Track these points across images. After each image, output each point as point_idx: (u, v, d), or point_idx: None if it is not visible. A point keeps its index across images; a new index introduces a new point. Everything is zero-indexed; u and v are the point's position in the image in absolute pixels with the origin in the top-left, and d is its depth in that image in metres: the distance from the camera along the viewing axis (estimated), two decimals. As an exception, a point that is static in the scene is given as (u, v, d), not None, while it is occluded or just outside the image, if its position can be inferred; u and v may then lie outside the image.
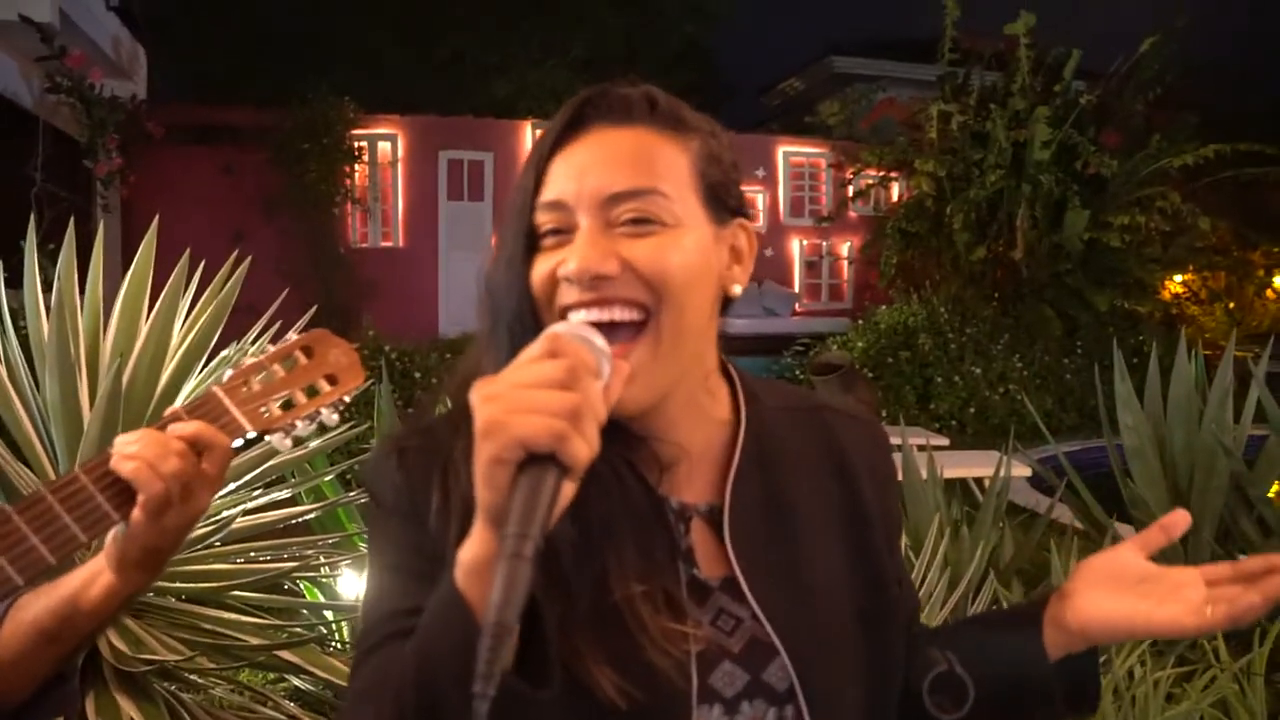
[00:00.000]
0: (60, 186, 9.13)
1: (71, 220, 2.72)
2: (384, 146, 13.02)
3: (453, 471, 0.90)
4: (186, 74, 16.55)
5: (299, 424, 1.07)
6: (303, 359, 1.08)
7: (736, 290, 1.01)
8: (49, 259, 4.31)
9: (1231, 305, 17.05)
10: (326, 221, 12.25)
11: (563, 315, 0.92)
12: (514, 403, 0.74)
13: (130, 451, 0.99)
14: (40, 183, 8.63)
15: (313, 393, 1.07)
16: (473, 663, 0.69)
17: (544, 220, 0.94)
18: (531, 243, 0.95)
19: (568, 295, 0.92)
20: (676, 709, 0.90)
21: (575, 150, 0.95)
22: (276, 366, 1.06)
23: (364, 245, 12.92)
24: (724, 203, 0.99)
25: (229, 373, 1.06)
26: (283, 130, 11.85)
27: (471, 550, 0.78)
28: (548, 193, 0.94)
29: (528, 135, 13.60)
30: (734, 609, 0.95)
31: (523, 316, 0.95)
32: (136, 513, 0.98)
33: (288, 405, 1.06)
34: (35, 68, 9.04)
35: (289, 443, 1.07)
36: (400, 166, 13.11)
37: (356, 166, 12.47)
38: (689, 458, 0.99)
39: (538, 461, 0.73)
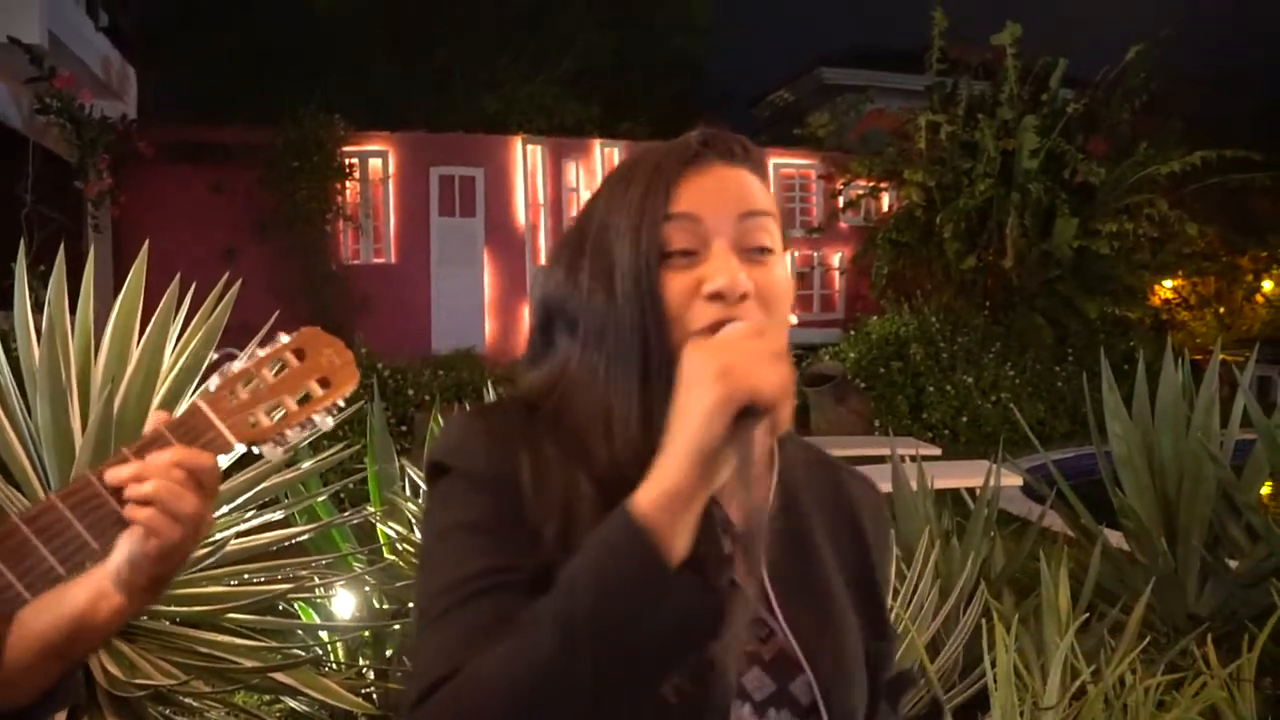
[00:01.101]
0: (50, 207, 9.13)
1: (62, 242, 2.73)
2: (375, 163, 13.03)
3: (543, 450, 0.95)
4: (178, 93, 16.59)
5: (290, 433, 1.01)
6: (294, 361, 1.02)
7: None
8: (40, 280, 4.33)
9: (1221, 310, 17.11)
10: (318, 238, 12.24)
11: (698, 331, 0.95)
12: (750, 354, 0.84)
13: (144, 493, 0.95)
14: (30, 204, 8.62)
15: (305, 398, 1.02)
16: (661, 586, 0.80)
17: (676, 234, 0.98)
18: (656, 258, 0.98)
19: (708, 311, 0.96)
20: (718, 708, 0.92)
21: (701, 178, 1.00)
22: (265, 371, 1.00)
23: (356, 262, 12.91)
24: (784, 236, 1.06)
25: (216, 381, 1.00)
26: (273, 148, 11.86)
27: (662, 483, 0.83)
28: (682, 204, 0.99)
29: (518, 150, 13.62)
30: (766, 618, 0.99)
31: (658, 330, 0.97)
32: (147, 549, 0.97)
33: (278, 413, 1.00)
34: (24, 89, 9.04)
35: (279, 452, 1.02)
36: (391, 183, 13.12)
37: (347, 183, 12.48)
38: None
39: (754, 414, 0.83)
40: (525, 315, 13.66)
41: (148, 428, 0.99)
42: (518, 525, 0.92)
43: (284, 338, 1.03)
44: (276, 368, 1.01)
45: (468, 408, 1.16)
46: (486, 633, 0.84)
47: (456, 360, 11.05)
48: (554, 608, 0.82)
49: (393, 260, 13.20)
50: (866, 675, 1.05)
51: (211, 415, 0.98)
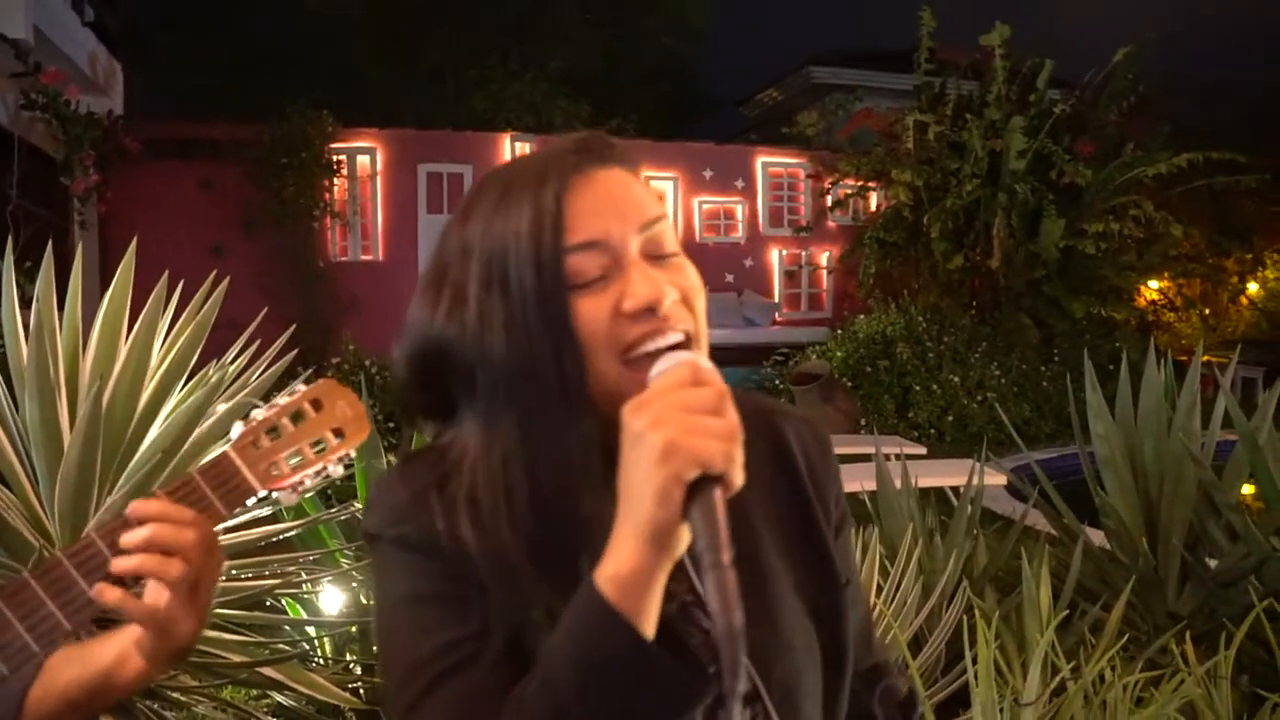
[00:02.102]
0: (36, 204, 9.10)
1: (50, 241, 2.74)
2: (362, 160, 13.02)
3: (457, 505, 0.94)
4: (166, 90, 16.55)
5: (307, 480, 1.08)
6: (311, 412, 1.08)
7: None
8: (26, 277, 4.32)
9: (1206, 312, 17.19)
10: (306, 235, 12.23)
11: (622, 351, 0.92)
12: (688, 426, 0.79)
13: (131, 566, 0.98)
14: (16, 200, 8.59)
15: (320, 447, 1.07)
16: (642, 671, 0.79)
17: (583, 264, 0.93)
18: (561, 291, 0.93)
19: (635, 329, 0.93)
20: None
21: (586, 194, 0.95)
22: (286, 421, 1.07)
23: (344, 259, 12.90)
24: None
25: (239, 427, 1.05)
26: (261, 145, 11.84)
27: (622, 565, 0.82)
28: (582, 234, 0.94)
29: (506, 147, 13.62)
30: (699, 619, 0.99)
31: (570, 357, 0.93)
32: (169, 600, 0.99)
33: (297, 461, 1.06)
34: (10, 84, 9.00)
35: (295, 498, 1.08)
36: (379, 180, 13.11)
37: (335, 180, 12.47)
38: None
39: (708, 481, 0.79)
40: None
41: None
42: (458, 585, 0.92)
43: (301, 387, 1.09)
44: (296, 418, 1.07)
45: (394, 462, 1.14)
46: (479, 714, 0.86)
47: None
48: (541, 701, 0.83)
49: (381, 257, 13.19)
50: (819, 633, 1.05)
51: (238, 461, 1.04)
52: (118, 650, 1.04)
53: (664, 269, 0.95)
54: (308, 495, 3.11)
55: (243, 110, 12.50)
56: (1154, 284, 15.86)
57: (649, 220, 0.96)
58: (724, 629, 0.73)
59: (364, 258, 13.10)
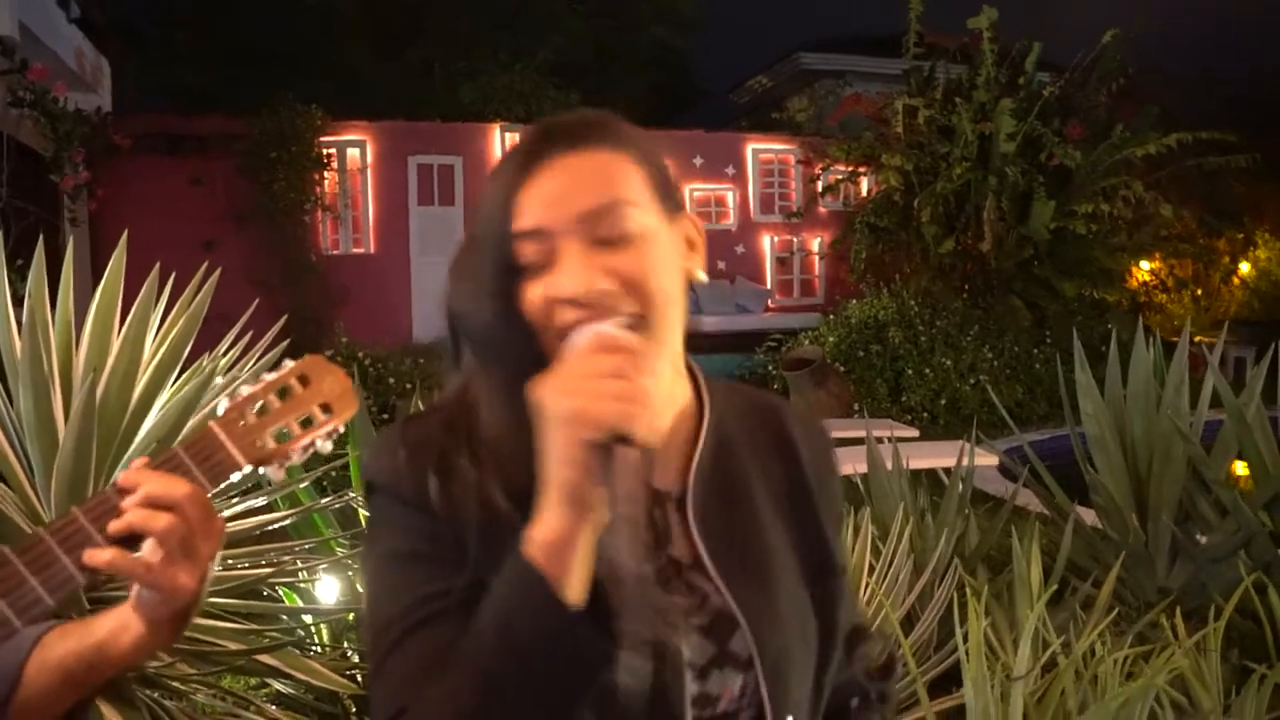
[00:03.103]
0: (26, 201, 9.08)
1: (42, 236, 2.75)
2: (353, 153, 13.01)
3: (456, 461, 0.98)
4: (154, 85, 16.49)
5: (294, 455, 1.07)
6: (298, 388, 1.07)
7: (701, 276, 1.08)
8: (18, 274, 4.33)
9: (1199, 292, 17.23)
10: (297, 229, 12.23)
11: (559, 335, 0.96)
12: (590, 392, 0.84)
13: (174, 497, 0.98)
14: (6, 198, 8.58)
15: (307, 423, 1.07)
16: (562, 631, 0.83)
17: (527, 250, 0.98)
18: (511, 275, 0.99)
19: (567, 315, 0.96)
20: (674, 677, 0.99)
21: (541, 180, 0.99)
22: (273, 397, 1.06)
23: (335, 252, 12.90)
24: (673, 200, 1.06)
25: (224, 404, 1.05)
26: (251, 139, 11.83)
27: (547, 529, 0.87)
28: (523, 222, 0.98)
29: (496, 139, 13.61)
30: (700, 584, 1.04)
31: (518, 341, 0.99)
32: (160, 556, 0.99)
33: (283, 437, 1.05)
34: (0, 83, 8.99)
35: (282, 473, 1.07)
36: (370, 172, 13.10)
37: (326, 173, 12.46)
38: (662, 446, 1.06)
39: (617, 442, 0.84)
40: (506, 303, 13.66)
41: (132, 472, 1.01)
42: (437, 544, 0.97)
43: (289, 364, 1.08)
44: (283, 393, 1.06)
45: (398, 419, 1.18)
46: (425, 670, 0.91)
47: (437, 348, 11.04)
48: (471, 656, 0.88)
49: (372, 250, 13.20)
50: (815, 617, 1.10)
51: (222, 436, 1.03)
52: (116, 620, 1.04)
53: (612, 253, 0.97)
54: (303, 486, 3.12)
55: (231, 105, 12.47)
56: (1146, 265, 15.90)
57: (592, 209, 0.98)
58: (632, 574, 0.79)
59: (355, 250, 13.11)
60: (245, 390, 1.05)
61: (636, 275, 0.98)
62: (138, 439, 2.67)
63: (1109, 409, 4.11)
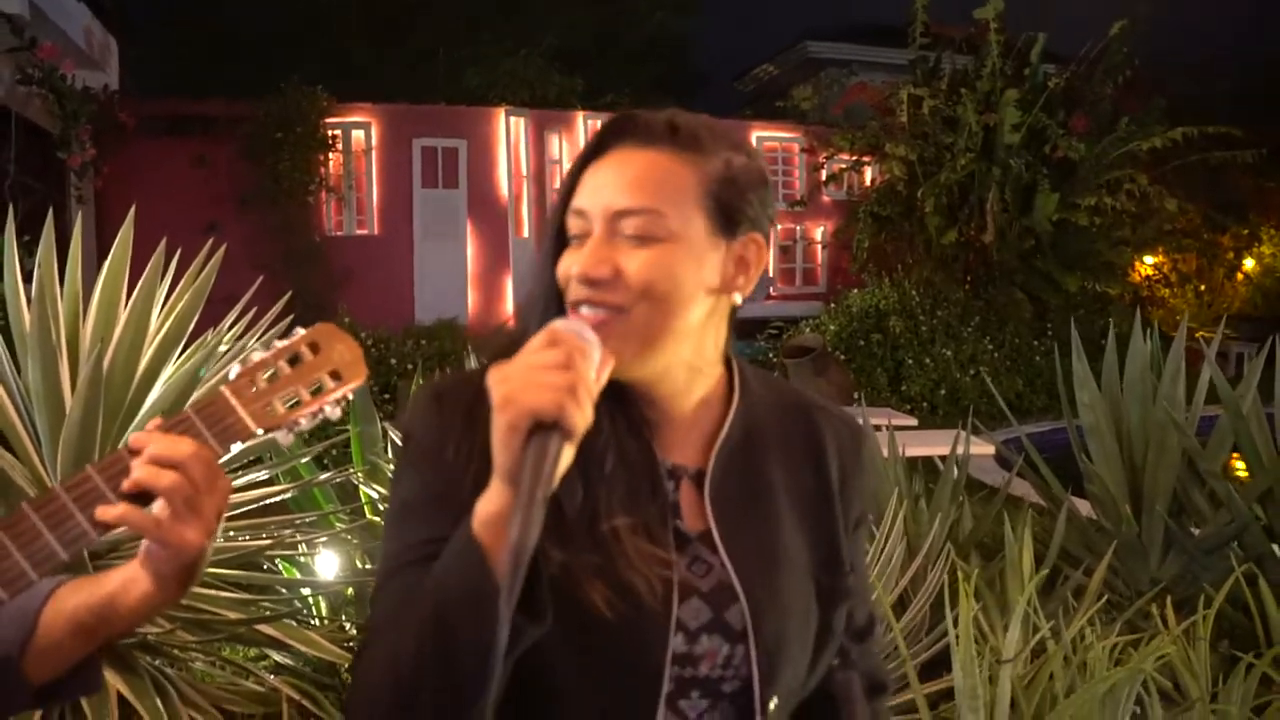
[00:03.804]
0: (33, 178, 9.12)
1: (50, 211, 2.78)
2: (357, 135, 13.02)
3: (480, 419, 1.02)
4: (159, 66, 16.48)
5: (303, 420, 1.08)
6: (308, 355, 1.09)
7: (737, 299, 1.14)
8: (25, 250, 4.37)
9: (1202, 288, 17.23)
10: (301, 211, 12.25)
11: (573, 306, 1.08)
12: (524, 381, 0.91)
13: (182, 455, 1.01)
14: (14, 175, 8.62)
15: (317, 389, 1.09)
16: (485, 600, 0.89)
17: (571, 224, 1.10)
18: (563, 240, 1.11)
19: (576, 290, 1.07)
20: (655, 627, 1.05)
21: (600, 168, 1.10)
22: (283, 363, 1.08)
23: (339, 234, 12.92)
24: (733, 218, 1.11)
25: (236, 369, 1.07)
26: (255, 120, 11.84)
27: (488, 504, 0.94)
28: (576, 201, 1.10)
29: (501, 122, 13.62)
30: (707, 557, 1.11)
31: (549, 300, 1.12)
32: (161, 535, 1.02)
33: (293, 403, 1.07)
34: (5, 60, 9.00)
35: (291, 438, 1.09)
36: (374, 154, 13.11)
37: (330, 155, 12.47)
38: (682, 426, 1.15)
39: (544, 428, 0.90)
40: (508, 286, 13.69)
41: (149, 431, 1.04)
42: (448, 496, 1.04)
43: (300, 331, 1.10)
44: (293, 360, 1.08)
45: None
46: (395, 609, 1.00)
47: (439, 331, 11.09)
48: (417, 607, 0.97)
49: (376, 232, 13.22)
50: (817, 607, 1.15)
51: (234, 401, 1.05)
52: (125, 575, 1.07)
53: (629, 249, 1.06)
54: (304, 461, 3.16)
55: (234, 87, 12.49)
56: (1149, 260, 15.90)
57: (624, 208, 1.07)
58: (513, 550, 0.83)
59: (359, 232, 13.12)
60: (256, 357, 1.08)
61: (636, 276, 1.05)
62: (142, 410, 2.71)
63: (1105, 399, 4.14)
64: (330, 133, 12.41)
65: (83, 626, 1.08)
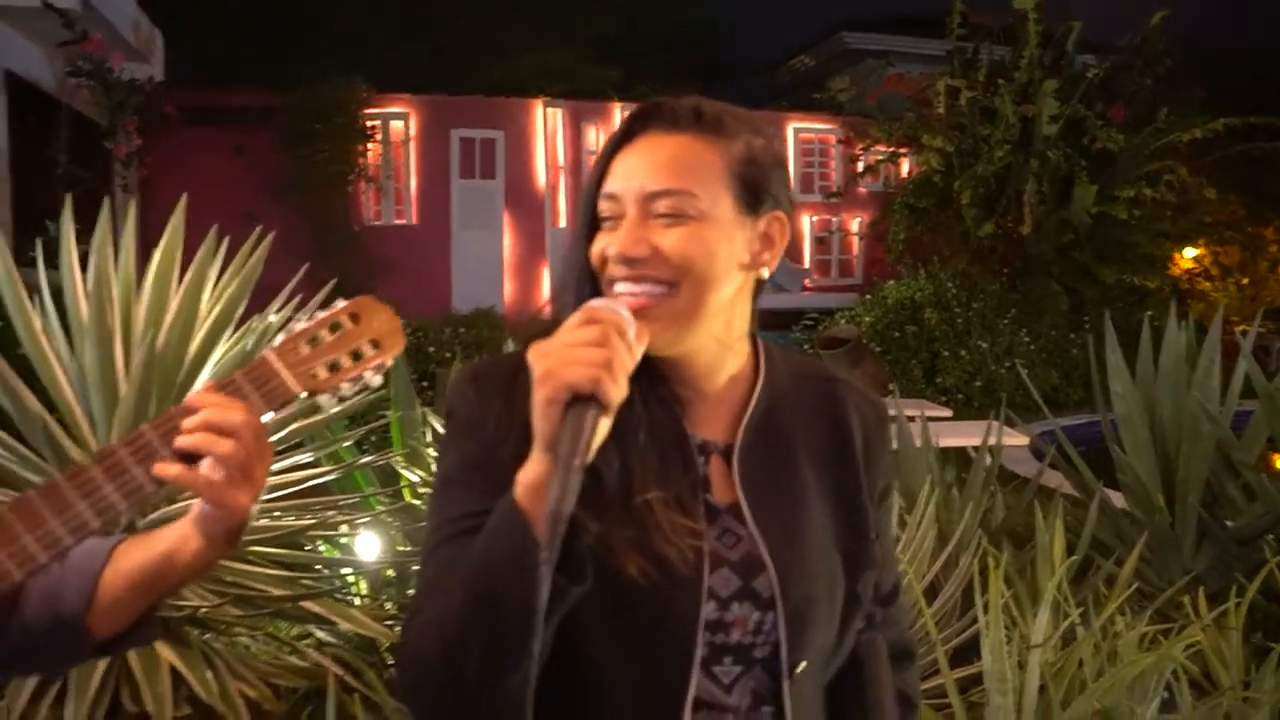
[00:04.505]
0: (81, 168, 9.28)
1: (106, 200, 2.86)
2: (396, 125, 13.13)
3: (517, 396, 1.09)
4: (198, 57, 16.61)
5: (344, 386, 1.14)
6: (349, 324, 1.14)
7: (764, 273, 1.20)
8: (77, 238, 4.47)
9: (1245, 281, 17.01)
10: (340, 200, 12.36)
11: (610, 284, 1.13)
12: (562, 357, 0.97)
13: (233, 423, 1.06)
14: (64, 165, 8.78)
15: (357, 357, 1.14)
16: (528, 561, 0.93)
17: (604, 208, 1.15)
18: (595, 224, 1.16)
19: (614, 270, 1.13)
20: (688, 596, 1.11)
21: (629, 153, 1.15)
22: (324, 332, 1.13)
23: (377, 223, 13.04)
24: (758, 196, 1.17)
25: (281, 337, 1.12)
26: (295, 111, 11.96)
27: (529, 472, 1.00)
28: (607, 185, 1.15)
29: (539, 114, 13.69)
30: (736, 529, 1.16)
31: (583, 281, 1.17)
32: (213, 495, 1.08)
33: (334, 368, 1.12)
34: (57, 52, 9.17)
35: (334, 402, 1.15)
36: (413, 145, 13.22)
37: (369, 145, 12.58)
38: (711, 402, 1.21)
39: (581, 401, 0.95)
40: (544, 276, 13.77)
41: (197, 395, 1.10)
42: (488, 470, 1.10)
43: (341, 302, 1.15)
44: (334, 329, 1.14)
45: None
46: (440, 578, 1.06)
47: (476, 319, 11.19)
48: (464, 572, 1.03)
49: (414, 221, 13.33)
50: (843, 574, 1.20)
51: (278, 365, 1.11)
52: (178, 533, 1.13)
53: (663, 230, 1.12)
54: (345, 445, 3.22)
55: (273, 78, 12.59)
56: (1190, 252, 15.72)
57: (655, 191, 1.12)
58: (551, 513, 0.89)
59: (397, 222, 13.24)
60: (298, 326, 1.13)
61: (674, 252, 1.11)
62: (193, 391, 2.79)
63: (1139, 389, 4.14)
64: (369, 123, 12.51)
65: (140, 584, 1.14)
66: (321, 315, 1.14)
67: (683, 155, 1.13)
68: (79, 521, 1.03)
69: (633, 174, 1.13)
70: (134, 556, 1.15)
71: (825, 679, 1.22)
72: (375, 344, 1.15)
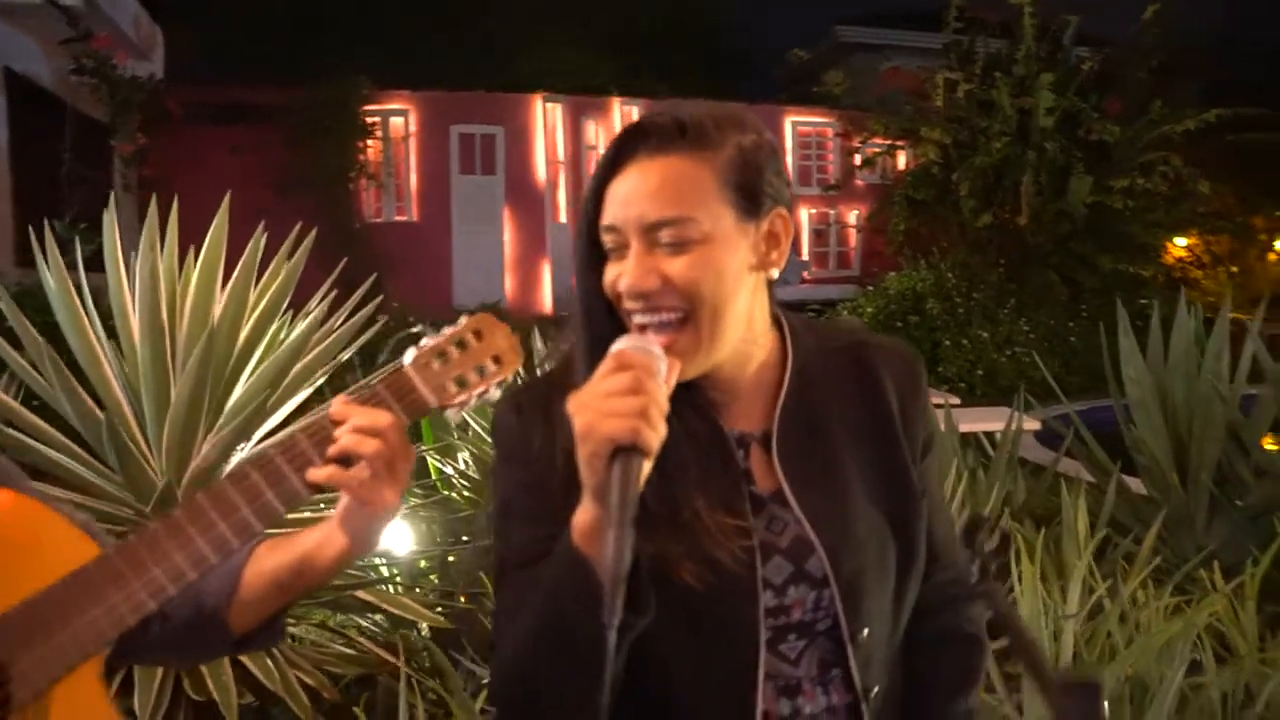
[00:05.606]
0: (85, 167, 9.31)
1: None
2: (396, 122, 13.17)
3: (555, 416, 1.11)
4: (201, 54, 16.58)
5: (471, 400, 1.20)
6: (473, 341, 1.20)
7: (774, 274, 1.20)
8: (83, 236, 4.51)
9: (1235, 269, 17.13)
10: (342, 197, 12.40)
11: (628, 316, 1.14)
12: (600, 410, 0.99)
13: (381, 425, 1.13)
14: (70, 163, 8.80)
15: (482, 372, 1.20)
16: (592, 602, 0.95)
17: (606, 240, 1.15)
18: (596, 255, 1.17)
19: (626, 304, 1.14)
20: (745, 590, 1.15)
21: (621, 182, 1.13)
22: (452, 348, 1.19)
23: (379, 220, 13.08)
24: (756, 199, 1.16)
25: (412, 352, 1.19)
26: (296, 108, 11.99)
27: (582, 517, 1.03)
28: (605, 218, 1.14)
29: (538, 109, 13.74)
30: (782, 515, 1.19)
31: (596, 311, 1.18)
32: (359, 496, 1.14)
33: (462, 383, 1.19)
34: (60, 50, 9.19)
35: (461, 415, 1.22)
36: (413, 141, 13.26)
37: (370, 142, 12.61)
38: (744, 396, 1.23)
39: (623, 451, 0.97)
40: (545, 271, 13.83)
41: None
42: (538, 496, 1.15)
43: (464, 320, 1.22)
44: (461, 345, 1.20)
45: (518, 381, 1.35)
46: (514, 608, 1.13)
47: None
48: (532, 610, 1.09)
49: (415, 218, 13.38)
50: (894, 538, 1.23)
51: (416, 379, 1.18)
52: (321, 534, 1.20)
53: (669, 257, 1.11)
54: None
55: (273, 75, 12.61)
56: (1182, 241, 15.83)
57: (654, 221, 1.11)
58: (611, 577, 0.92)
59: (398, 218, 13.29)
60: (427, 342, 1.20)
61: (685, 280, 1.11)
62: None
63: (1151, 373, 4.23)
64: (370, 120, 12.54)
65: (280, 583, 1.22)
66: (448, 331, 1.21)
67: (674, 179, 1.11)
68: (242, 524, 1.11)
69: (629, 204, 1.12)
70: (275, 556, 1.22)
71: (893, 634, 1.25)
72: (497, 360, 1.21)
